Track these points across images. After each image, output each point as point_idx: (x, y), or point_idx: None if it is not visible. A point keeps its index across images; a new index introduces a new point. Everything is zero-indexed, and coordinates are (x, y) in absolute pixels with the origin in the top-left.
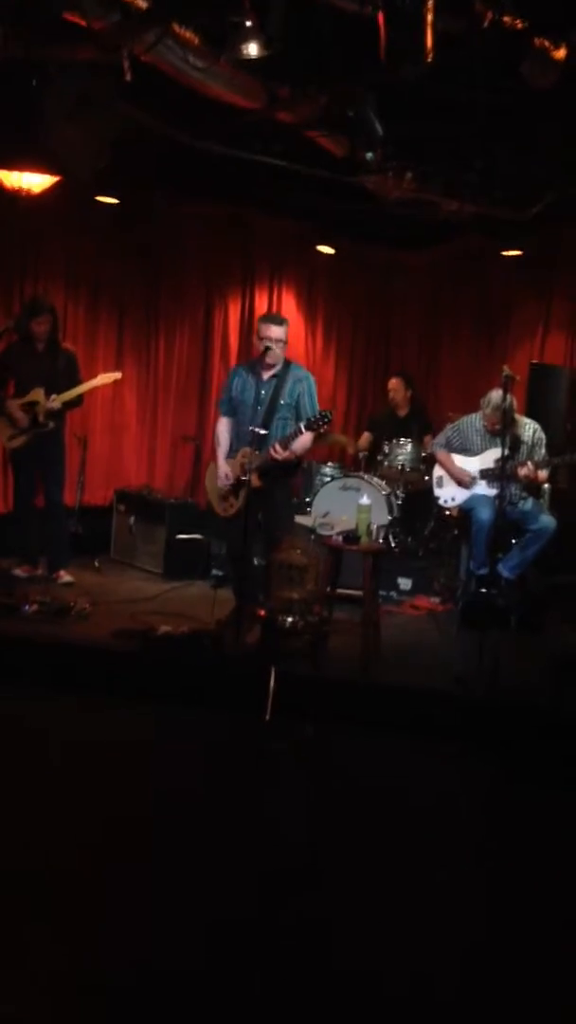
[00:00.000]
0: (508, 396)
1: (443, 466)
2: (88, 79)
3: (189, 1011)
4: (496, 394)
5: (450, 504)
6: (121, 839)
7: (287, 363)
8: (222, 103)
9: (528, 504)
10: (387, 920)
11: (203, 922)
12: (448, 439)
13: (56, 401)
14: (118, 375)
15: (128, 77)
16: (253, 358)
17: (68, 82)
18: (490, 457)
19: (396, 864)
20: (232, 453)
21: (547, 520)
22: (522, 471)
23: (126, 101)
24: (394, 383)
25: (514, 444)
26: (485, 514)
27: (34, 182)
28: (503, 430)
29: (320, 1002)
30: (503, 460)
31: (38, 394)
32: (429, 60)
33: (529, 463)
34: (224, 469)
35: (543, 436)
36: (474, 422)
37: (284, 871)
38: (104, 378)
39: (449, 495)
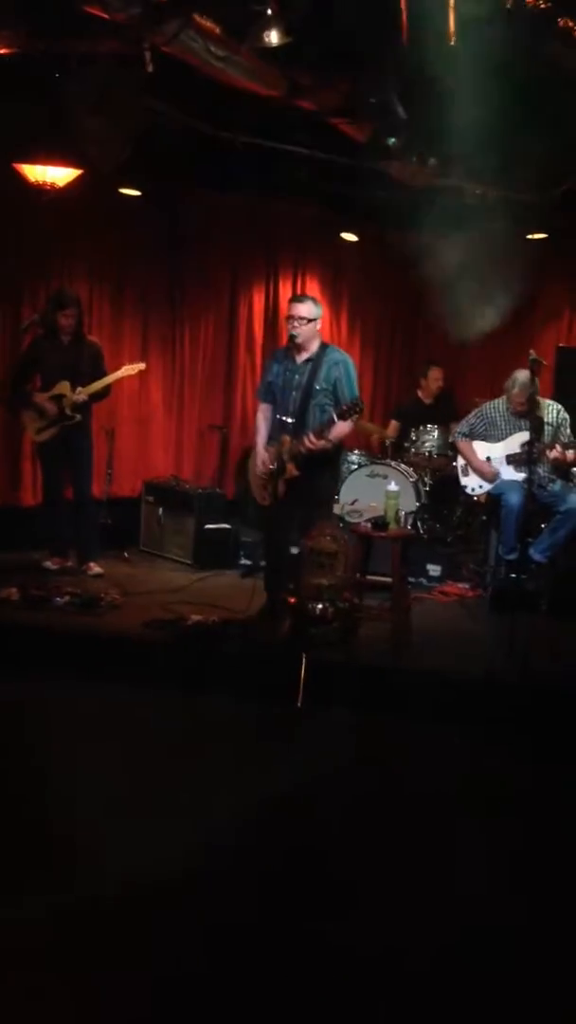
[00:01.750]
0: (526, 376)
1: (465, 458)
2: (110, 72)
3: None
4: (522, 374)
5: (477, 492)
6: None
7: (324, 346)
8: (244, 92)
9: (557, 486)
10: (415, 900)
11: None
12: (472, 426)
13: (82, 393)
14: (142, 365)
15: (150, 69)
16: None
17: (90, 75)
18: (516, 441)
19: (430, 845)
20: (272, 441)
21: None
22: (552, 453)
23: (148, 93)
24: (436, 373)
25: (538, 426)
26: (515, 499)
27: (58, 176)
28: (529, 412)
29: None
30: (530, 444)
31: (64, 387)
32: (452, 43)
33: (557, 445)
34: (261, 456)
35: (567, 416)
36: (498, 407)
37: (317, 852)
38: (128, 369)
39: (476, 483)
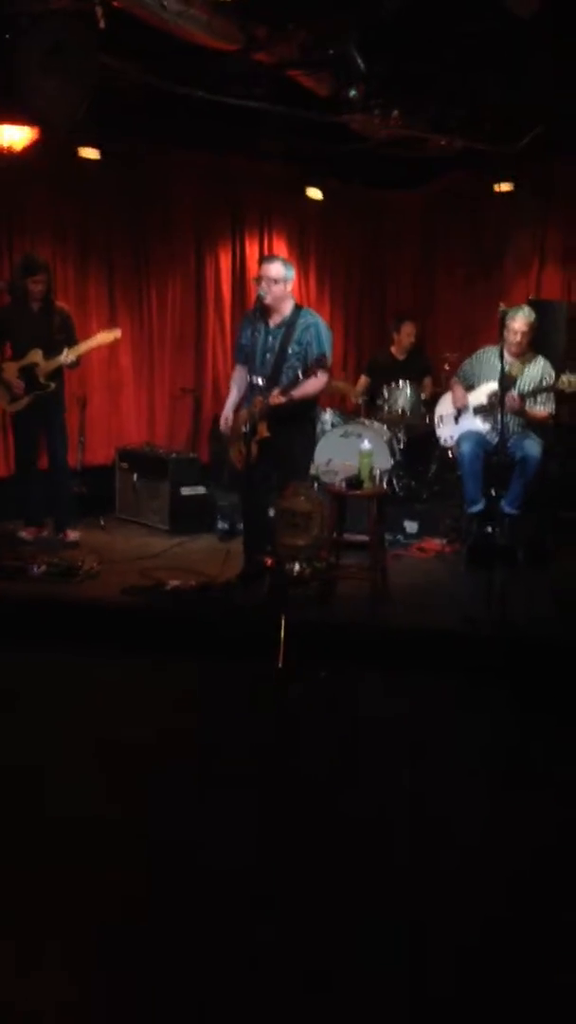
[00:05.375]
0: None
1: (453, 395)
2: (62, 28)
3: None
4: (525, 309)
5: (450, 443)
6: (147, 787)
7: (298, 308)
8: (201, 47)
9: (519, 437)
10: (403, 851)
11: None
12: (463, 371)
13: (71, 354)
14: (118, 332)
15: (102, 25)
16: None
17: (41, 32)
18: (483, 392)
19: (412, 796)
20: (247, 403)
21: (531, 447)
22: (511, 404)
23: (103, 50)
24: (408, 328)
25: (512, 381)
26: (466, 447)
27: (15, 138)
28: (522, 355)
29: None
30: (501, 394)
31: (37, 355)
32: None
33: (515, 394)
34: (226, 416)
35: (552, 372)
36: (489, 356)
37: (303, 807)
38: (104, 336)
39: (448, 433)
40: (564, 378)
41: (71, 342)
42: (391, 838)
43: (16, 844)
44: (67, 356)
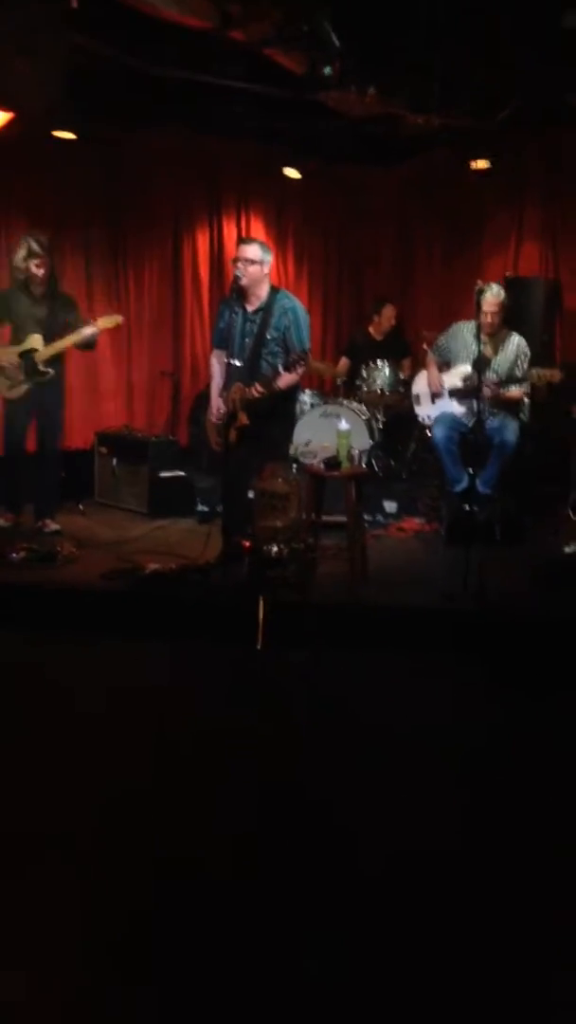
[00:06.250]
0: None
1: (428, 375)
2: (33, 9)
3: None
4: (494, 287)
5: (428, 422)
6: (128, 775)
7: (274, 291)
8: (175, 25)
9: (496, 421)
10: (381, 830)
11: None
12: (438, 346)
13: (101, 321)
14: (119, 318)
15: (75, 3)
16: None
17: (12, 13)
18: (458, 375)
19: (391, 775)
20: (225, 389)
21: (509, 435)
22: (487, 391)
23: (75, 30)
24: (389, 311)
25: (486, 361)
26: (440, 432)
27: None
28: (495, 335)
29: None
30: (479, 377)
31: (36, 340)
32: None
33: (490, 383)
34: (216, 403)
35: (527, 352)
36: (463, 332)
37: (284, 791)
38: (106, 321)
39: (426, 413)
40: (534, 371)
41: (75, 327)
42: (363, 820)
43: None
44: (95, 323)
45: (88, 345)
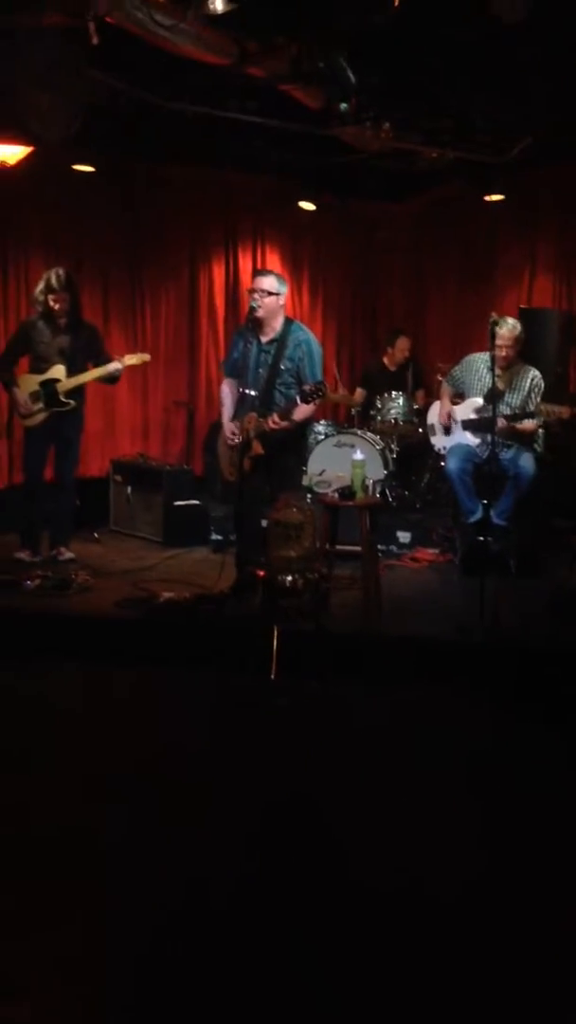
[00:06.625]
0: (519, 327)
1: (441, 406)
2: (55, 45)
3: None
4: (509, 321)
5: (443, 452)
6: (133, 801)
7: (288, 323)
8: (192, 61)
9: (510, 453)
10: (396, 859)
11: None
12: (452, 377)
13: (128, 358)
14: (147, 356)
15: (95, 40)
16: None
17: (35, 49)
18: (471, 407)
19: (405, 806)
20: (238, 415)
21: (525, 466)
22: (500, 425)
23: (95, 66)
24: (403, 343)
25: (499, 394)
26: (452, 464)
27: (9, 153)
28: (510, 367)
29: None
30: (493, 410)
31: (59, 371)
32: (397, 5)
33: (502, 418)
34: (229, 428)
35: (542, 385)
36: (477, 364)
37: (293, 822)
38: (134, 358)
39: (441, 443)
40: (544, 407)
41: (100, 360)
42: (381, 851)
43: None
44: (129, 358)
45: (112, 379)
